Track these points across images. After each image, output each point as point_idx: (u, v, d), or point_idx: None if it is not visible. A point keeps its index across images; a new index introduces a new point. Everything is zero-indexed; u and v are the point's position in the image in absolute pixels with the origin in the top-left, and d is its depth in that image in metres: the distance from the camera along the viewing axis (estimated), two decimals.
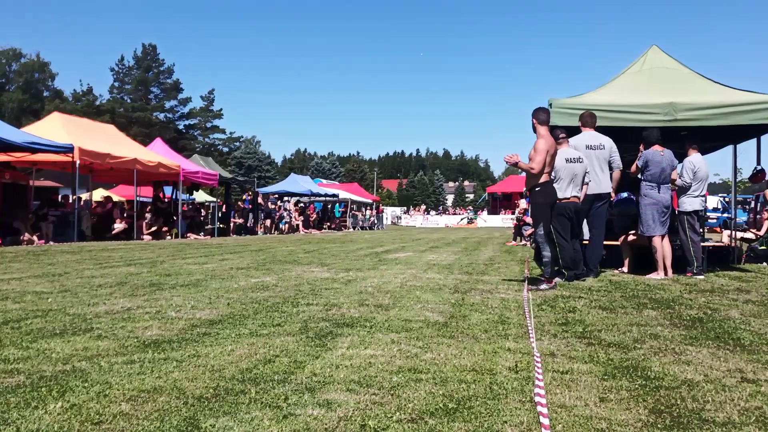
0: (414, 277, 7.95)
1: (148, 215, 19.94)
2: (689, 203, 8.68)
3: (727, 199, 33.38)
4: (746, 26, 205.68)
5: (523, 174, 7.26)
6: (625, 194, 10.56)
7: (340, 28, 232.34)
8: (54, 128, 17.59)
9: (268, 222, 28.33)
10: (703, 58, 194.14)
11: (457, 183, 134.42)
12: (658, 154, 8.31)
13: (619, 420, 2.50)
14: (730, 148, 11.87)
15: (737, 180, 16.12)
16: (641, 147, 8.55)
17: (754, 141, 10.52)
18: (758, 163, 10.37)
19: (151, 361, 3.33)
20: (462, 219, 59.61)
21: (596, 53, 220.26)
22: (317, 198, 38.96)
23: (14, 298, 5.62)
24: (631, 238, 9.07)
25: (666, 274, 8.30)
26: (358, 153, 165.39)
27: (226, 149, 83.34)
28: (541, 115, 7.13)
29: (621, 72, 10.27)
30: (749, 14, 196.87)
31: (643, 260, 9.11)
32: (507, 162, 6.92)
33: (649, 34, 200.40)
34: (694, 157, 8.84)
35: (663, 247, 8.35)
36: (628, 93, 9.40)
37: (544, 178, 6.97)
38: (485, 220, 57.66)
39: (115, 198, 24.71)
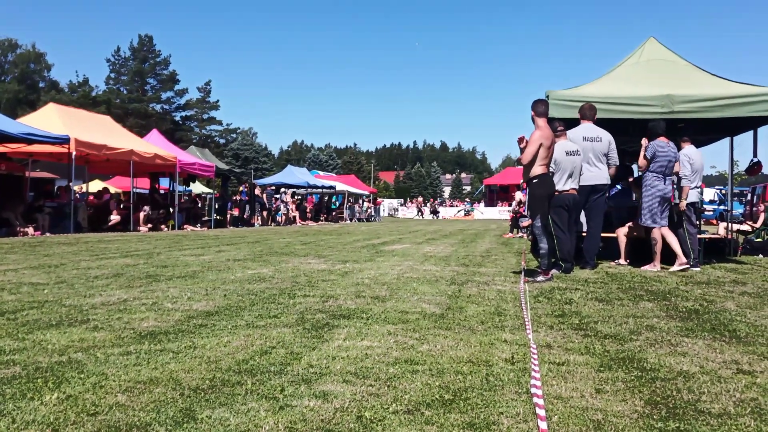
0: (411, 269, 7.95)
1: (146, 208, 19.88)
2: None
3: (723, 192, 33.42)
4: (744, 19, 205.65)
5: (521, 166, 7.27)
6: (618, 186, 10.55)
7: (337, 19, 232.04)
8: (50, 119, 17.52)
9: (264, 213, 28.30)
10: (700, 50, 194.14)
11: (454, 175, 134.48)
12: (665, 145, 8.20)
13: (615, 411, 2.51)
14: (726, 140, 11.87)
15: (734, 172, 16.14)
16: (644, 140, 8.44)
17: (750, 133, 10.52)
18: (755, 155, 10.37)
19: (147, 353, 3.33)
20: (459, 211, 59.65)
21: (594, 45, 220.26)
22: (314, 190, 38.92)
23: (10, 290, 5.61)
24: (627, 230, 9.07)
25: (684, 262, 8.18)
26: (355, 145, 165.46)
27: (222, 141, 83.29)
28: (539, 107, 7.12)
29: (618, 64, 10.25)
30: (747, 7, 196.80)
31: (640, 252, 9.12)
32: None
33: (646, 26, 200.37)
34: (688, 150, 8.84)
35: (667, 238, 8.28)
36: (625, 85, 9.40)
37: (541, 170, 6.95)
38: (482, 212, 57.71)
39: (112, 189, 24.68)
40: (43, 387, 2.70)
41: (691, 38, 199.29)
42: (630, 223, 9.19)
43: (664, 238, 8.26)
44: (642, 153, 8.39)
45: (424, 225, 31.61)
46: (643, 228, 8.75)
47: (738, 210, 27.35)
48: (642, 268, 8.29)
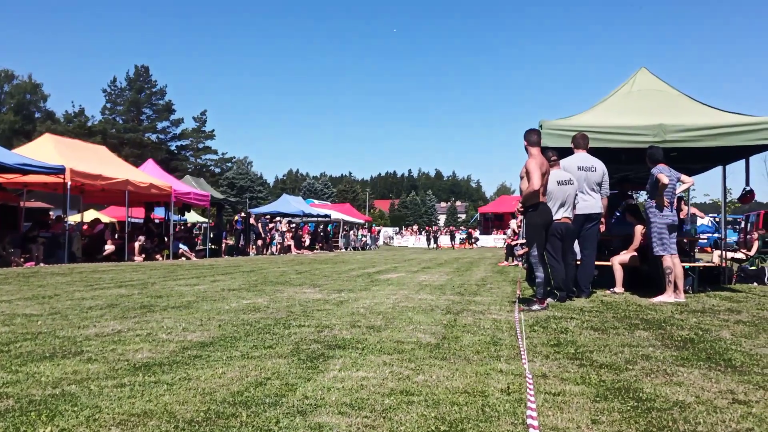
0: (406, 298, 7.94)
1: (141, 238, 19.85)
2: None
3: (717, 220, 33.56)
4: (734, 48, 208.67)
5: (516, 194, 7.31)
6: (618, 213, 10.54)
7: (332, 49, 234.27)
8: (46, 149, 17.59)
9: (259, 242, 28.26)
10: (691, 80, 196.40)
11: (449, 203, 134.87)
12: (667, 171, 8.01)
13: None
14: (719, 169, 11.98)
15: (727, 200, 16.23)
16: (660, 175, 7.86)
17: (743, 162, 10.62)
18: (747, 183, 10.45)
19: (141, 385, 3.31)
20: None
21: (586, 75, 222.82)
22: (309, 218, 38.94)
23: (3, 321, 5.58)
24: (622, 258, 9.08)
25: (677, 295, 7.96)
26: (350, 173, 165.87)
27: (218, 170, 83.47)
28: (532, 137, 7.18)
29: (610, 93, 10.38)
30: (736, 37, 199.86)
31: (635, 280, 9.13)
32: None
33: (638, 56, 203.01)
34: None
35: (676, 267, 8.02)
36: (617, 114, 9.50)
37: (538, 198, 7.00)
38: (479, 239, 57.64)
39: (106, 219, 24.64)
40: (36, 420, 2.67)
41: (683, 67, 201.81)
42: (625, 251, 9.21)
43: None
44: (662, 182, 7.83)
45: (419, 254, 31.59)
46: (637, 257, 8.77)
47: (732, 238, 27.45)
48: (656, 299, 7.88)
